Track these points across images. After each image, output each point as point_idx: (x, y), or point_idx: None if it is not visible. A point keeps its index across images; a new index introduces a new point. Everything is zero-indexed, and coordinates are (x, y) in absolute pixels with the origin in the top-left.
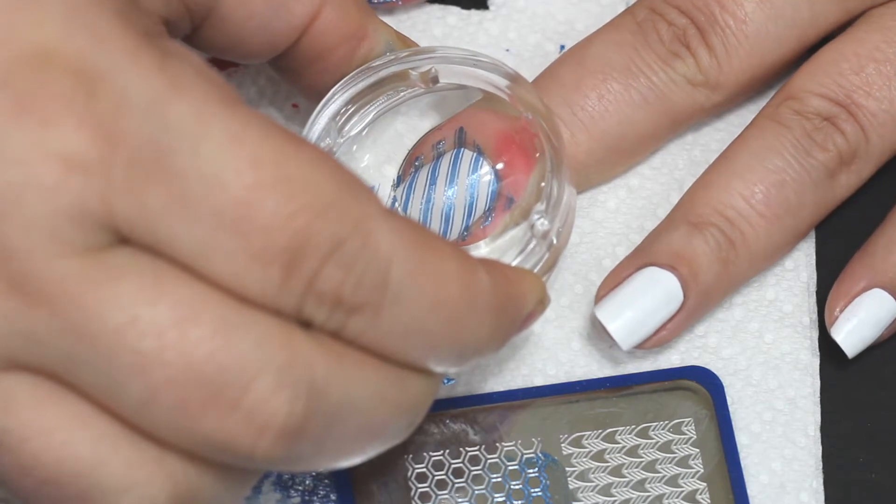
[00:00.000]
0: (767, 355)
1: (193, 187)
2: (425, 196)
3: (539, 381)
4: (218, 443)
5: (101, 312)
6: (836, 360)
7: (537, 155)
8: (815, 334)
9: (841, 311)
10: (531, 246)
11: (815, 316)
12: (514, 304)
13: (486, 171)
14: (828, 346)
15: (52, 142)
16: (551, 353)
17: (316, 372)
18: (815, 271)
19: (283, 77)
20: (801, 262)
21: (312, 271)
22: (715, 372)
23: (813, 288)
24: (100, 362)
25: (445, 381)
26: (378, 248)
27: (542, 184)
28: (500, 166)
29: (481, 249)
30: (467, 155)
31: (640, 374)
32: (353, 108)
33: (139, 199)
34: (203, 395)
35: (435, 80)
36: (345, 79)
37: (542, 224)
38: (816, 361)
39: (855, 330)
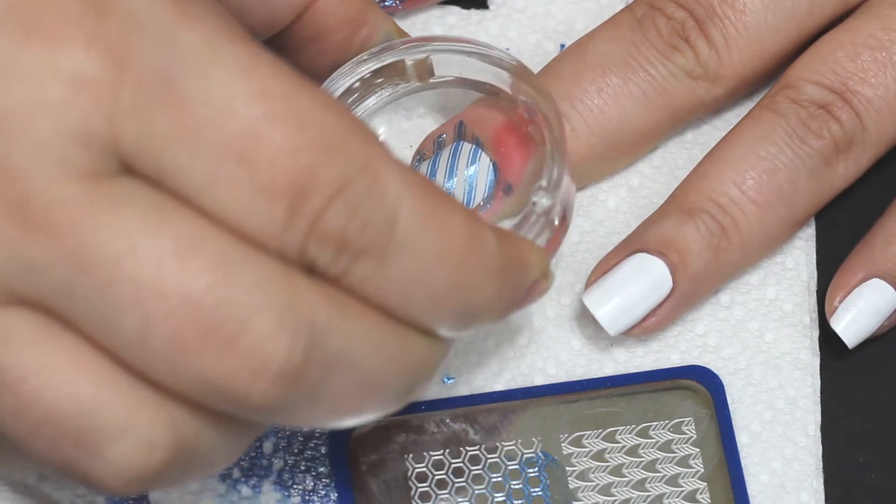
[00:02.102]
0: (768, 355)
1: (201, 114)
2: None
3: (539, 381)
4: (213, 383)
5: (100, 240)
6: (836, 360)
7: (536, 143)
8: (816, 334)
9: (840, 301)
10: (531, 227)
11: (815, 315)
12: (520, 267)
13: (484, 162)
14: (828, 346)
15: (60, 61)
16: (552, 352)
17: (317, 317)
18: (815, 270)
19: (279, 56)
20: (802, 262)
21: (318, 209)
22: (715, 371)
23: (813, 287)
24: (97, 293)
25: (445, 380)
26: (385, 192)
27: (543, 165)
28: (499, 157)
29: None
30: (466, 147)
31: (641, 374)
32: (349, 102)
33: (146, 123)
34: (200, 330)
35: (430, 72)
36: (338, 70)
37: (543, 200)
38: (817, 361)
39: (855, 320)
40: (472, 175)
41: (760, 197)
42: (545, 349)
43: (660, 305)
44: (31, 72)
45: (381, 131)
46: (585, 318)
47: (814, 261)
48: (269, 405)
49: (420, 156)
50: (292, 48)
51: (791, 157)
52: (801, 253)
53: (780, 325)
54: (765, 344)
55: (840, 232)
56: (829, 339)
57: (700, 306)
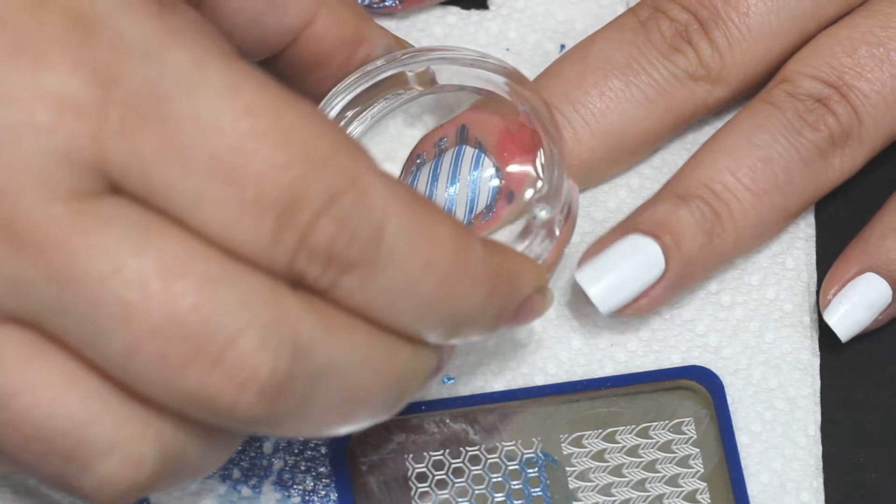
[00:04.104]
0: (768, 355)
1: (188, 133)
2: (427, 193)
3: (539, 381)
4: (199, 398)
5: (86, 260)
6: (836, 360)
7: (538, 150)
8: (816, 334)
9: (834, 294)
10: (533, 238)
11: (815, 315)
12: (510, 279)
13: (487, 168)
14: (828, 346)
15: (46, 82)
16: (552, 352)
17: (302, 332)
18: (815, 271)
19: (282, 83)
20: (802, 262)
21: (306, 224)
22: (715, 371)
23: (813, 288)
24: (84, 311)
25: (445, 380)
26: (373, 205)
27: (542, 175)
28: (501, 163)
29: None
30: (469, 152)
31: (641, 374)
32: (351, 114)
33: (132, 143)
34: (185, 348)
35: (433, 80)
36: (341, 83)
37: (542, 212)
38: (817, 361)
39: (848, 314)
40: (475, 181)
41: (755, 185)
42: (545, 349)
43: (652, 287)
44: (17, 93)
45: (385, 138)
46: (586, 318)
47: (814, 261)
48: (255, 418)
49: (420, 159)
50: (294, 74)
51: (786, 147)
52: (802, 253)
53: (781, 325)
54: (765, 344)
55: (840, 232)
56: (829, 340)
57: (700, 306)
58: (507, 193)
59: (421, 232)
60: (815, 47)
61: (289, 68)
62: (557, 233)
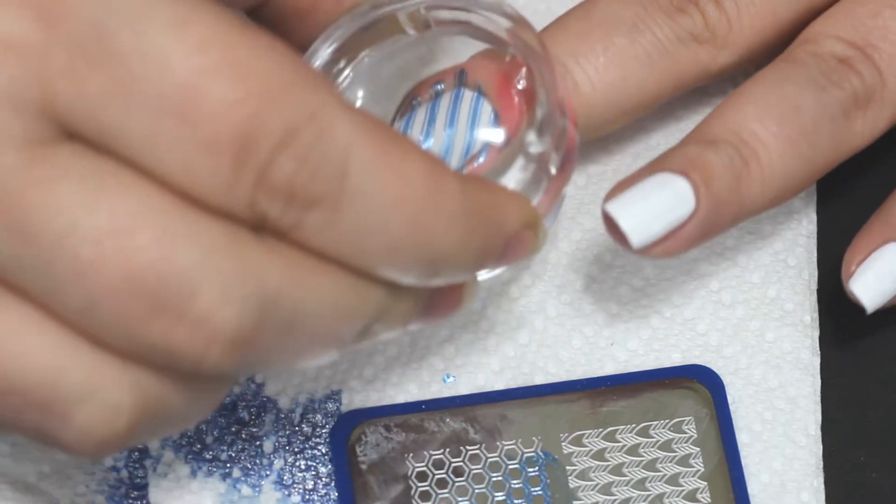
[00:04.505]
0: (768, 354)
1: (137, 71)
2: (424, 133)
3: (540, 380)
4: (164, 352)
5: (40, 216)
6: (836, 360)
7: (536, 94)
8: (816, 333)
9: (858, 265)
10: (525, 173)
11: (816, 315)
12: (491, 215)
13: (486, 112)
14: (828, 346)
15: None
16: (552, 351)
17: (267, 282)
18: (816, 269)
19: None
20: (803, 260)
21: (264, 161)
22: (715, 371)
23: (814, 286)
24: (41, 267)
25: (446, 378)
26: (335, 139)
27: (537, 114)
28: (500, 107)
29: None
30: (468, 95)
31: (641, 373)
32: (344, 62)
33: (81, 83)
34: (145, 305)
35: (427, 24)
36: (328, 28)
37: (534, 145)
38: (817, 360)
39: (873, 284)
40: (473, 124)
41: (783, 133)
42: (546, 348)
43: (682, 226)
44: None
45: (379, 87)
46: (586, 318)
47: (815, 260)
48: (225, 369)
49: (416, 101)
50: (283, 23)
51: (813, 101)
52: (803, 251)
53: (781, 324)
54: (766, 343)
55: (841, 231)
56: (829, 339)
57: (701, 305)
58: (503, 138)
59: (389, 166)
60: (838, 8)
61: (277, 17)
62: (553, 171)
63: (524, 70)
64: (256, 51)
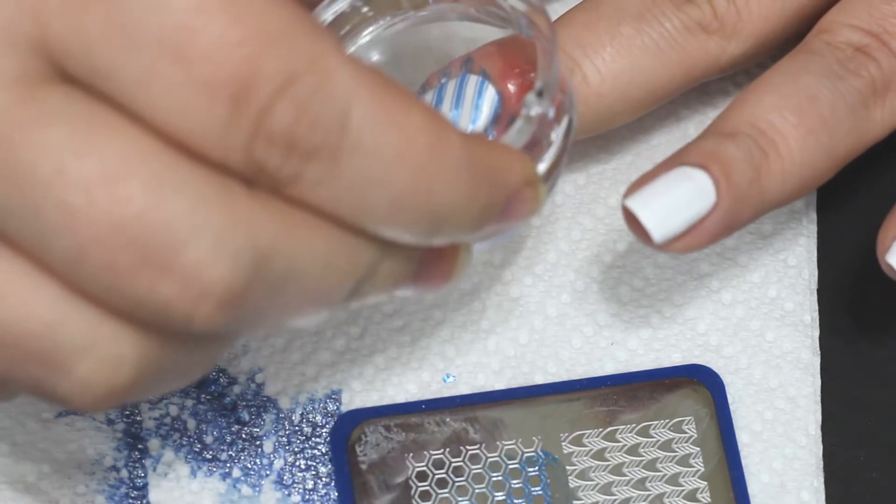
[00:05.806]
0: (768, 354)
1: (133, 9)
2: None
3: (540, 379)
4: (151, 306)
5: (28, 159)
6: (836, 360)
7: (537, 63)
8: (816, 333)
9: (894, 240)
10: (525, 137)
11: (816, 314)
12: (494, 170)
13: (490, 94)
14: (828, 346)
15: None
16: (552, 350)
17: (259, 237)
18: (816, 269)
19: None
20: (804, 259)
21: (262, 107)
22: (716, 370)
23: (814, 286)
24: (28, 214)
25: (446, 378)
26: (336, 88)
27: (538, 78)
28: (505, 90)
29: None
30: (473, 79)
31: (641, 373)
32: (341, 38)
33: (76, 20)
34: (132, 256)
35: (425, 0)
36: (323, 3)
37: (535, 107)
38: (817, 360)
39: None
40: (477, 106)
41: (802, 123)
42: (546, 348)
43: (704, 220)
44: None
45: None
46: (586, 317)
47: (815, 259)
48: (214, 328)
49: (422, 88)
50: None
51: (831, 89)
52: (804, 251)
53: (782, 324)
54: (766, 343)
55: (842, 231)
56: (829, 339)
57: (701, 304)
58: (508, 118)
59: (391, 119)
60: None
61: None
62: (552, 137)
63: (530, 47)
64: None
